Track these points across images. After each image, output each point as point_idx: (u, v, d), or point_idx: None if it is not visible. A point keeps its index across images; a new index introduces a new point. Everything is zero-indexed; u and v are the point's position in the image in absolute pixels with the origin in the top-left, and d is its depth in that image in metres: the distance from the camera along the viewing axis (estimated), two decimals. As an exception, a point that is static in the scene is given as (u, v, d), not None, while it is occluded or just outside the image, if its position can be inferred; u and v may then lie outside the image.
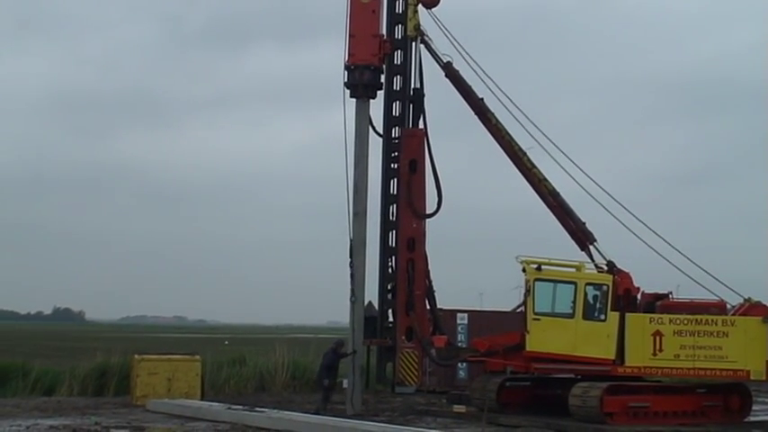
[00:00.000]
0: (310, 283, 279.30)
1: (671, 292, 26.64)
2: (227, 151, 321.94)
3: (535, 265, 25.86)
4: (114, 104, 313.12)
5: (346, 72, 27.57)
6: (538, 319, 25.80)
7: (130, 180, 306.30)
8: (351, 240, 27.21)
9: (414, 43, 28.48)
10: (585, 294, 25.83)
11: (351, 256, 27.19)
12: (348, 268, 27.15)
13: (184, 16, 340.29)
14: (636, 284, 26.32)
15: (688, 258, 26.29)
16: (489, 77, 27.35)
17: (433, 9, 28.13)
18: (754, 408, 27.44)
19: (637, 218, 26.67)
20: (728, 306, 26.19)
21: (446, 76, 28.12)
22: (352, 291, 27.10)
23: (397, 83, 28.81)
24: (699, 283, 26.10)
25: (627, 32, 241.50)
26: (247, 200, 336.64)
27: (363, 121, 27.88)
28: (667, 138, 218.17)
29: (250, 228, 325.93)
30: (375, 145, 28.44)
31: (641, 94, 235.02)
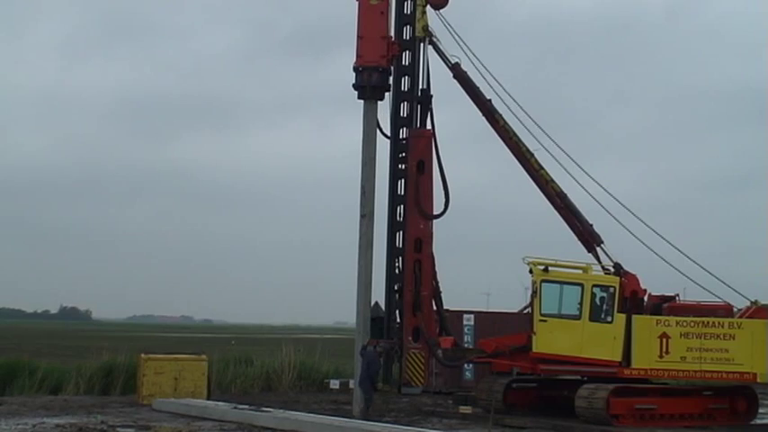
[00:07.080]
0: (317, 284, 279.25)
1: (678, 295, 26.66)
2: (281, 155, 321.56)
3: (542, 267, 25.87)
4: (184, 109, 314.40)
5: (354, 74, 27.58)
6: (545, 321, 25.79)
7: (174, 183, 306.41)
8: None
9: (422, 44, 28.47)
10: (592, 296, 25.83)
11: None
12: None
13: (274, 22, 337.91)
14: (643, 286, 26.31)
15: (694, 261, 26.33)
16: (495, 79, 27.37)
17: (441, 10, 28.13)
18: (761, 410, 27.45)
19: (642, 221, 26.72)
20: (735, 309, 26.19)
21: (454, 77, 28.12)
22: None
23: (405, 84, 28.73)
24: (704, 288, 26.12)
25: (709, 45, 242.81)
26: (282, 202, 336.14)
27: (371, 122, 27.82)
28: (725, 144, 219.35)
29: (265, 230, 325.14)
30: (385, 147, 28.45)
31: (711, 103, 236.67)
